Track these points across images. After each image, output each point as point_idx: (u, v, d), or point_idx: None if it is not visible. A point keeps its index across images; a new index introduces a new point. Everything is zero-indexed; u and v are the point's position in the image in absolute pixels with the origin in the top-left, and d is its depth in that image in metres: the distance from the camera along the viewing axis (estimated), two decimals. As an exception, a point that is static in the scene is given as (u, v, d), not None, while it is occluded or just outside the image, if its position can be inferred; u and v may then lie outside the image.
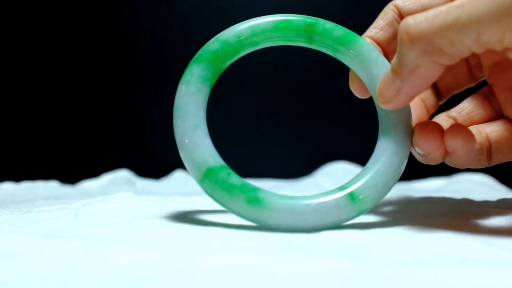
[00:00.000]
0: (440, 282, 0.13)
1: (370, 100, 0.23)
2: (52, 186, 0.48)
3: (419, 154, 0.21)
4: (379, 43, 0.22)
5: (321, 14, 0.24)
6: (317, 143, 0.63)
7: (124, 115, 0.64)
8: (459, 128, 0.20)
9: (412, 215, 0.24)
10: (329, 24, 0.22)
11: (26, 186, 0.46)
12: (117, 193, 0.30)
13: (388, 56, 0.23)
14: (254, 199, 0.19)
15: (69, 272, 0.14)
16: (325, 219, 0.19)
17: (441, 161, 0.21)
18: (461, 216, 0.22)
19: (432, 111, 0.24)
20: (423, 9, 0.21)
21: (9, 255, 0.15)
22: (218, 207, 0.20)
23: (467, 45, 0.16)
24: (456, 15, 0.16)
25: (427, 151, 0.20)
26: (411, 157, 0.21)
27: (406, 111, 0.21)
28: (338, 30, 0.22)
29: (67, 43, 0.63)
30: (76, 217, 0.22)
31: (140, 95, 0.64)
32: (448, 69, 0.18)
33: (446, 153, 0.20)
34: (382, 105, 0.20)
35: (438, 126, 0.20)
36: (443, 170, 0.22)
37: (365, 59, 0.21)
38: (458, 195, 0.31)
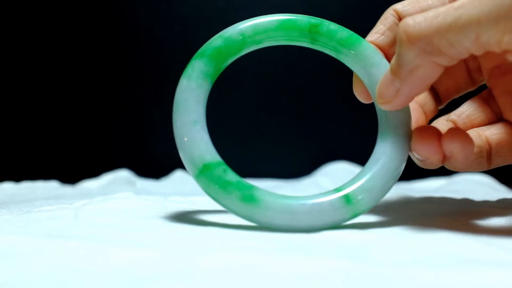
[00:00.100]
0: (440, 282, 0.13)
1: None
2: (52, 186, 0.48)
3: (417, 159, 0.20)
4: (380, 48, 0.22)
5: (321, 14, 0.24)
6: (317, 143, 0.63)
7: (124, 115, 0.64)
8: (457, 132, 0.20)
9: (412, 215, 0.24)
10: (333, 26, 0.22)
11: (26, 186, 0.46)
12: (117, 193, 0.30)
13: (390, 60, 0.23)
14: (249, 197, 0.19)
15: (69, 272, 0.14)
16: (319, 220, 0.19)
17: (440, 166, 0.21)
18: (461, 216, 0.22)
19: (431, 116, 0.24)
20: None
21: (9, 255, 0.15)
22: (218, 207, 0.20)
23: (466, 46, 0.16)
24: (455, 16, 0.16)
25: (425, 156, 0.20)
26: (411, 158, 0.21)
27: (406, 114, 0.21)
28: (342, 32, 0.22)
29: (67, 43, 0.63)
30: (76, 217, 0.22)
31: (140, 95, 0.64)
32: (448, 73, 0.18)
33: (445, 158, 0.20)
34: (381, 106, 0.20)
35: (436, 131, 0.20)
36: (443, 170, 0.22)
37: (368, 62, 0.21)
38: (458, 195, 0.31)
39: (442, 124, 0.23)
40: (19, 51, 0.63)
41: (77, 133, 0.63)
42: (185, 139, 0.20)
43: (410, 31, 0.17)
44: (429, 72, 0.18)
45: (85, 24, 0.63)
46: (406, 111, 0.21)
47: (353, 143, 0.62)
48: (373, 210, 0.25)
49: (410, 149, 0.20)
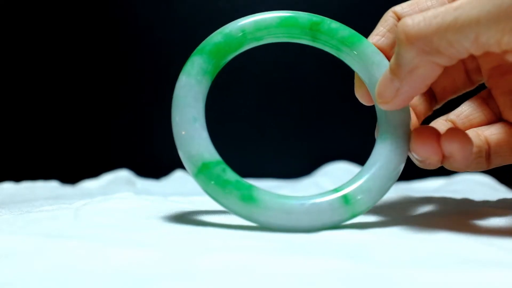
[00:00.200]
0: (440, 282, 0.13)
1: (370, 100, 0.23)
2: (52, 186, 0.48)
3: (416, 159, 0.20)
4: (381, 50, 0.22)
5: (321, 13, 0.23)
6: (317, 143, 0.63)
7: (124, 115, 0.64)
8: (456, 132, 0.20)
9: (412, 215, 0.24)
10: (334, 24, 0.22)
11: (26, 186, 0.46)
12: (117, 193, 0.30)
13: None
14: (248, 196, 0.19)
15: (69, 272, 0.14)
16: (318, 220, 0.19)
17: (439, 166, 0.21)
18: (461, 216, 0.22)
19: (422, 118, 0.24)
20: None
21: (9, 255, 0.15)
22: (218, 207, 0.20)
23: (465, 46, 0.16)
24: (454, 16, 0.16)
25: (424, 156, 0.20)
26: (410, 158, 0.21)
27: (406, 114, 0.21)
28: (344, 31, 0.22)
29: (67, 43, 0.63)
30: (76, 217, 0.22)
31: (140, 95, 0.64)
32: (445, 73, 0.18)
33: (444, 158, 0.20)
34: (381, 106, 0.20)
35: (435, 131, 0.20)
36: (443, 170, 0.22)
37: (369, 61, 0.21)
38: (458, 195, 0.31)
39: (441, 124, 0.23)
40: (19, 51, 0.63)
41: (77, 133, 0.63)
42: (183, 132, 0.19)
43: (409, 31, 0.17)
44: (429, 72, 0.18)
45: (85, 24, 0.63)
46: (405, 111, 0.21)
47: (353, 143, 0.62)
48: (373, 210, 0.25)
49: (409, 150, 0.20)
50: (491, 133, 0.22)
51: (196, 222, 0.22)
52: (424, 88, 0.19)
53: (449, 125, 0.23)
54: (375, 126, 0.22)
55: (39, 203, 0.30)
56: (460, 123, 0.24)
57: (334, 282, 0.13)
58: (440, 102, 0.24)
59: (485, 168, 0.22)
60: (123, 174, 0.55)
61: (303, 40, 0.22)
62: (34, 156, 0.63)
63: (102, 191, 0.43)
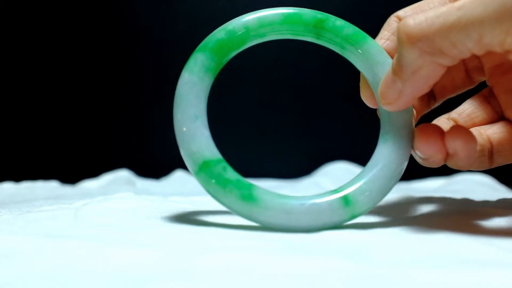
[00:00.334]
0: (440, 282, 0.13)
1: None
2: (52, 186, 0.48)
3: (420, 157, 0.20)
4: (387, 53, 0.22)
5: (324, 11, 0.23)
6: (317, 143, 0.63)
7: (124, 115, 0.64)
8: (460, 130, 0.20)
9: (412, 215, 0.24)
10: (339, 22, 0.21)
11: (26, 186, 0.46)
12: (117, 193, 0.30)
13: None
14: (248, 195, 0.19)
15: (69, 272, 0.14)
16: (317, 220, 0.19)
17: (442, 164, 0.21)
18: (461, 216, 0.22)
19: (420, 115, 0.24)
20: None
21: (9, 255, 0.15)
22: (218, 207, 0.20)
23: (468, 47, 0.16)
24: (457, 15, 0.16)
25: (428, 154, 0.20)
26: (411, 157, 0.21)
27: (409, 114, 0.20)
28: (348, 29, 0.21)
29: (67, 43, 0.63)
30: (76, 217, 0.22)
31: (140, 95, 0.64)
32: (445, 72, 0.18)
33: (448, 156, 0.20)
34: (385, 107, 0.20)
35: (438, 129, 0.20)
36: (443, 170, 0.22)
37: (373, 60, 0.21)
38: (458, 195, 0.31)
39: (443, 122, 0.23)
40: (19, 51, 0.63)
41: (77, 133, 0.63)
42: (184, 129, 0.19)
43: (410, 31, 0.17)
44: (432, 72, 0.18)
45: (85, 24, 0.63)
46: (409, 112, 0.20)
47: (353, 143, 0.62)
48: (372, 210, 0.25)
49: (412, 148, 0.20)
50: (493, 132, 0.22)
51: (196, 222, 0.22)
52: (427, 89, 0.19)
53: (451, 123, 0.23)
54: (376, 126, 0.22)
55: (39, 203, 0.30)
56: (462, 122, 0.24)
57: (334, 282, 0.13)
58: (438, 100, 0.24)
59: (488, 167, 0.22)
60: (123, 174, 0.55)
61: (307, 37, 0.22)
62: (34, 156, 0.63)
63: (102, 191, 0.43)
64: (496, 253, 0.16)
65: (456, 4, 0.16)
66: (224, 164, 0.19)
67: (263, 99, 0.64)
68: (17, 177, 0.50)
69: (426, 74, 0.18)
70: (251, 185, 0.19)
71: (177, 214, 0.23)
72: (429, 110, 0.24)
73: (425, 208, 0.25)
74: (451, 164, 0.21)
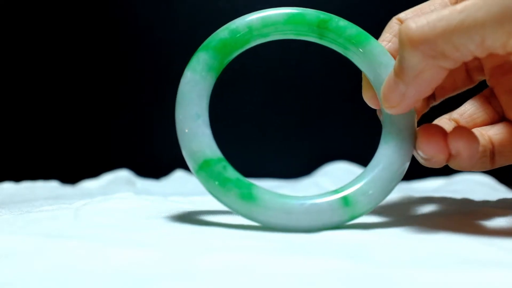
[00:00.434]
0: (440, 282, 0.13)
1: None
2: (52, 186, 0.48)
3: (422, 158, 0.20)
4: None
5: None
6: (317, 143, 0.63)
7: (124, 115, 0.64)
8: (463, 130, 0.20)
9: (412, 215, 0.24)
10: (342, 22, 0.21)
11: (26, 186, 0.46)
12: (117, 193, 0.30)
13: None
14: (248, 195, 0.19)
15: (69, 272, 0.14)
16: (317, 221, 0.19)
17: (444, 164, 0.20)
18: (461, 216, 0.22)
19: (418, 117, 0.24)
20: None
21: (9, 255, 0.15)
22: (218, 207, 0.20)
23: (470, 49, 0.16)
24: (460, 18, 0.16)
25: (431, 154, 0.20)
26: (412, 157, 0.21)
27: (411, 116, 0.20)
28: (351, 29, 0.21)
29: (67, 43, 0.63)
30: (76, 217, 0.22)
31: (140, 95, 0.64)
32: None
33: (450, 156, 0.20)
34: (388, 110, 0.20)
35: (441, 129, 0.20)
36: (443, 170, 0.22)
37: (376, 61, 0.21)
38: (458, 195, 0.31)
39: (444, 123, 0.23)
40: (19, 51, 0.63)
41: (77, 133, 0.63)
42: (186, 130, 0.19)
43: (412, 35, 0.17)
44: (434, 75, 0.18)
45: (85, 24, 0.63)
46: (411, 113, 0.20)
47: (353, 143, 0.62)
48: (373, 210, 0.25)
49: (415, 148, 0.20)
50: (495, 132, 0.22)
51: (196, 222, 0.22)
52: (430, 91, 0.19)
53: (452, 124, 0.23)
54: (377, 126, 0.22)
55: (39, 203, 0.30)
56: (463, 122, 0.24)
57: (334, 282, 0.13)
58: (438, 99, 0.24)
59: (489, 168, 0.22)
60: (123, 174, 0.55)
61: (310, 37, 0.22)
62: (34, 156, 0.63)
63: (102, 191, 0.43)
64: (496, 253, 0.16)
65: (458, 6, 0.16)
66: (225, 163, 0.19)
67: (265, 99, 0.64)
68: (17, 177, 0.50)
69: (429, 77, 0.18)
70: (251, 184, 0.19)
71: (177, 214, 0.23)
72: (428, 109, 0.24)
73: (425, 208, 0.25)
74: (453, 165, 0.20)
